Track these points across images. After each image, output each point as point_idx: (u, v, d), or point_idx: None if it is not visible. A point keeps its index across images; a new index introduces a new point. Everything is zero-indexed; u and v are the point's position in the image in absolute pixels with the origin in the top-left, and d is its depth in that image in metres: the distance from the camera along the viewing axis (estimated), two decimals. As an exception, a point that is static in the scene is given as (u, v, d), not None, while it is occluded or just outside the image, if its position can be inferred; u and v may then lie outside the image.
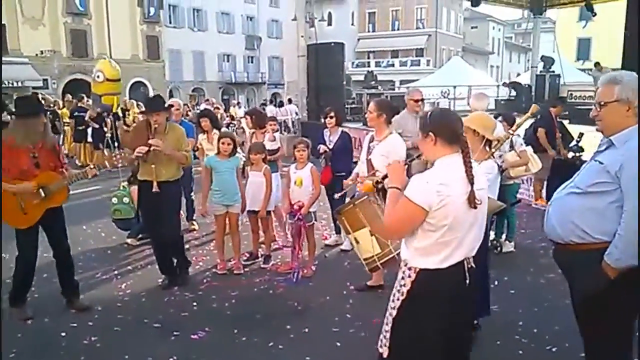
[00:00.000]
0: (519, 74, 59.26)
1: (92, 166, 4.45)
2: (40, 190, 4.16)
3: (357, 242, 3.96)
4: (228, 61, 41.59)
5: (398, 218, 2.40)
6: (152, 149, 4.54)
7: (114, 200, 6.50)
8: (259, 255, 5.81)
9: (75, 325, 4.23)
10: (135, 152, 4.56)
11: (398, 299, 2.50)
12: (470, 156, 2.40)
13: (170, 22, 36.86)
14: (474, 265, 2.49)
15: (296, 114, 19.91)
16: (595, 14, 18.07)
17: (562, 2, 19.80)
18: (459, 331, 2.53)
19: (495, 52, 59.08)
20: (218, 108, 17.13)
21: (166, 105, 4.90)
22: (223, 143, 5.25)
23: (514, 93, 19.75)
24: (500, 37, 61.35)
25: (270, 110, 18.48)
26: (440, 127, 2.41)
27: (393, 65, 46.13)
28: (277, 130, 6.66)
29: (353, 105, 16.85)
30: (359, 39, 49.31)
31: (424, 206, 2.28)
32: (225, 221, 5.37)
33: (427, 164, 2.86)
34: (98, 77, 9.81)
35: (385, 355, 2.55)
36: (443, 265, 2.38)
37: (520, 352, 3.72)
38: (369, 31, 49.36)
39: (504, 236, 6.12)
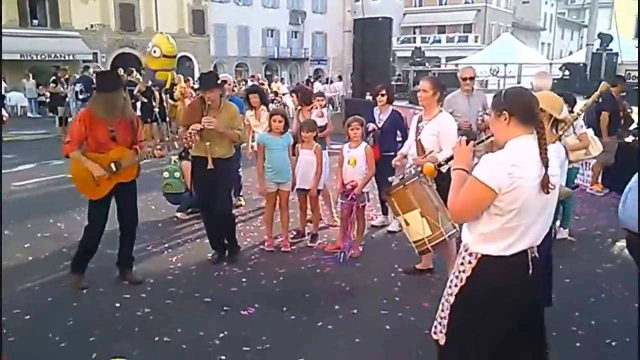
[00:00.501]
0: (571, 52, 57.03)
1: (159, 146, 4.55)
2: (112, 164, 4.26)
3: (407, 223, 3.91)
4: (272, 36, 41.46)
5: (464, 199, 2.30)
6: (205, 127, 4.55)
7: (165, 174, 6.60)
8: (306, 233, 5.82)
9: (128, 296, 4.34)
10: (189, 129, 4.58)
11: (456, 285, 2.42)
12: (545, 138, 2.28)
13: (214, -3, 36.92)
14: (537, 255, 2.39)
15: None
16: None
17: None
18: (521, 323, 2.43)
19: (547, 29, 56.79)
20: (263, 84, 17.14)
21: (219, 81, 4.88)
22: (275, 120, 5.22)
23: (567, 73, 18.97)
24: (553, 12, 58.83)
25: (317, 87, 18.38)
26: (515, 106, 2.28)
27: (440, 41, 45.04)
28: (325, 106, 6.58)
29: (399, 83, 16.55)
30: (404, 14, 48.17)
31: (494, 187, 2.18)
32: (275, 199, 5.37)
33: (491, 147, 2.74)
34: (154, 52, 9.88)
35: (442, 343, 2.50)
36: (507, 252, 2.28)
37: (578, 344, 3.60)
38: (415, 5, 48.19)
39: (558, 222, 5.90)
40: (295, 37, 43.10)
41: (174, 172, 6.58)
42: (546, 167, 2.23)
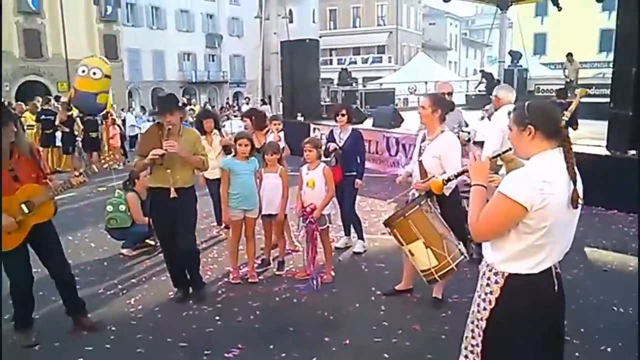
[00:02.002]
0: (475, 70, 60.61)
1: (77, 173, 3.91)
2: (23, 205, 3.65)
3: (412, 254, 3.73)
4: (189, 60, 40.67)
5: (491, 218, 2.18)
6: (168, 151, 4.18)
7: (109, 208, 6.06)
8: (271, 261, 5.52)
9: (91, 348, 3.84)
10: (149, 155, 4.19)
11: (485, 309, 2.29)
12: (572, 152, 2.21)
13: (128, 21, 35.71)
14: (560, 271, 2.31)
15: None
16: (561, 9, 18.51)
17: (528, -2, 20.20)
18: (552, 341, 2.34)
19: (453, 48, 60.07)
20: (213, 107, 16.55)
21: (179, 104, 4.54)
22: (240, 144, 4.92)
23: (482, 87, 19.96)
24: (457, 33, 62.42)
25: (245, 110, 18.11)
26: (541, 120, 2.20)
27: (356, 62, 46.15)
28: (281, 130, 6.35)
29: (328, 103, 16.63)
30: (320, 37, 48.97)
31: (525, 205, 2.07)
32: (241, 227, 5.04)
33: (496, 163, 2.66)
34: (94, 73, 9.21)
35: (477, 370, 2.34)
36: (535, 270, 2.19)
37: (577, 354, 3.57)
38: (330, 28, 49.23)
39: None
40: (213, 60, 42.55)
41: (119, 205, 6.06)
42: (574, 182, 2.17)
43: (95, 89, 9.28)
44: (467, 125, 6.76)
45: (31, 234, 3.76)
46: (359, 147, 5.93)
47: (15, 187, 3.64)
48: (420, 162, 4.26)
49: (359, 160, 5.88)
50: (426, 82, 24.68)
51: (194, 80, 40.38)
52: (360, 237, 5.99)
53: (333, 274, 5.14)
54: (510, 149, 2.39)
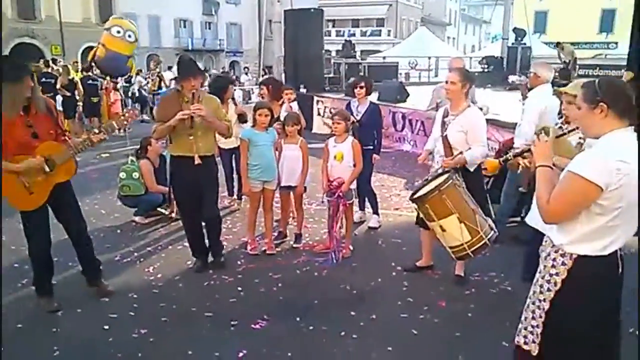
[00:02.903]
0: (473, 46, 60.11)
1: (96, 130, 3.82)
2: (44, 164, 3.58)
3: (443, 229, 3.69)
4: (185, 27, 39.94)
5: (565, 198, 2.13)
6: (196, 114, 4.08)
7: (122, 175, 5.95)
8: (287, 234, 5.49)
9: (115, 316, 3.80)
10: (176, 117, 4.09)
11: (549, 290, 2.27)
12: None
13: (124, -16, 34.88)
14: (623, 253, 2.28)
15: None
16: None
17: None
18: (613, 323, 2.33)
19: (452, 24, 59.45)
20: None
21: (201, 69, 4.43)
22: (260, 115, 4.82)
23: (486, 66, 19.79)
24: (457, 8, 61.70)
25: (244, 79, 17.90)
26: (614, 97, 2.13)
27: (354, 35, 45.46)
28: (294, 100, 6.24)
29: (331, 75, 16.43)
30: (309, 8, 48.17)
31: (601, 184, 2.03)
32: (260, 198, 4.98)
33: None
34: (129, 36, 9.10)
35: (534, 353, 2.33)
36: (604, 252, 2.16)
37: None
38: (329, -1, 48.39)
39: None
40: (209, 28, 41.80)
41: (132, 173, 5.96)
42: None
43: (128, 52, 9.28)
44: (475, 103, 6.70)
45: (52, 195, 3.70)
46: (376, 121, 5.86)
47: (35, 144, 3.56)
48: (445, 137, 4.19)
49: (376, 135, 5.81)
50: (429, 58, 24.39)
51: (190, 48, 39.60)
52: (376, 212, 5.95)
53: (351, 248, 5.11)
54: (576, 128, 2.33)
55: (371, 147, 5.71)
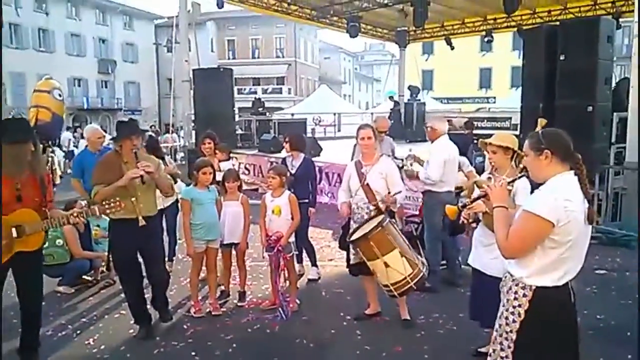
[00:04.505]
0: (367, 102, 63.46)
1: (75, 213, 3.84)
2: (13, 229, 3.49)
3: (387, 265, 3.89)
4: (79, 86, 38.51)
5: (521, 234, 2.39)
6: (145, 172, 4.01)
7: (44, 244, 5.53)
8: (230, 292, 5.38)
9: (62, 396, 3.50)
10: (127, 176, 4.01)
11: (514, 321, 2.47)
12: (585, 174, 2.49)
13: (12, 43, 33.16)
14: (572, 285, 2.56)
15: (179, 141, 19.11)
16: (454, 48, 20.14)
17: (423, 37, 21.77)
18: (575, 346, 2.57)
19: (347, 82, 62.53)
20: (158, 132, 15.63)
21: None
22: (205, 173, 4.79)
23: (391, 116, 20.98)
24: (350, 67, 65.16)
25: (166, 138, 17.75)
26: (556, 145, 2.45)
27: (255, 92, 46.35)
28: (228, 159, 6.27)
29: (242, 132, 16.58)
30: (219, 66, 48.75)
31: (553, 220, 2.29)
32: (203, 258, 4.88)
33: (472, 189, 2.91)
34: (59, 95, 8.64)
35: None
36: (560, 282, 2.41)
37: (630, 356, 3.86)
38: (228, 58, 49.12)
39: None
40: (106, 86, 40.65)
41: (55, 240, 5.58)
42: (589, 201, 2.44)
43: (61, 111, 8.90)
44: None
45: (14, 261, 3.60)
46: (311, 174, 6.04)
47: (15, 207, 3.54)
48: (367, 185, 4.57)
49: (310, 188, 5.98)
50: (334, 114, 25.59)
51: (85, 107, 38.21)
52: (314, 264, 6.03)
53: (298, 301, 5.11)
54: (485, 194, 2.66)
55: (307, 201, 5.84)
